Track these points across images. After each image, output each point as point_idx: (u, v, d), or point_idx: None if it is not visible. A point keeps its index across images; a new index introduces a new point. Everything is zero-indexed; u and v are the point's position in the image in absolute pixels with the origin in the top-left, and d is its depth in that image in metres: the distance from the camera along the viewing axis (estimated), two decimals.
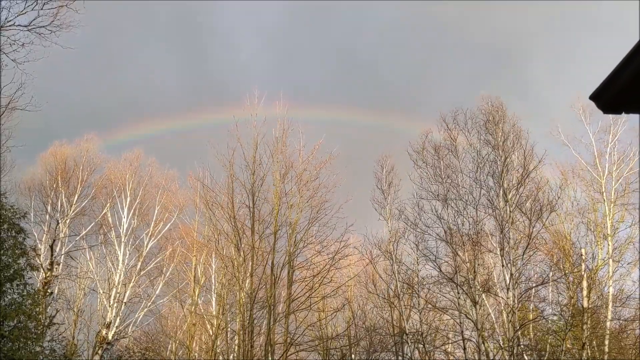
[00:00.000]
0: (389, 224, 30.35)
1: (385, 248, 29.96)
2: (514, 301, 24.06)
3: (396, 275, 29.41)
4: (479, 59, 68.02)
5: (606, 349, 26.88)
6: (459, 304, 26.12)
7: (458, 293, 25.98)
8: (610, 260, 28.48)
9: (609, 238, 28.93)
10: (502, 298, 24.57)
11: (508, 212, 24.96)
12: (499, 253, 24.99)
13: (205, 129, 40.58)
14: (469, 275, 25.40)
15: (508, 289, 24.24)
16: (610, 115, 29.32)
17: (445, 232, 26.42)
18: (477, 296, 25.06)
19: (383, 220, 30.67)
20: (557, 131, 30.89)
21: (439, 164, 27.57)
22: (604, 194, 29.50)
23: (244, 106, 27.25)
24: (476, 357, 25.22)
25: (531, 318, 27.42)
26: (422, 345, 28.53)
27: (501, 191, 25.34)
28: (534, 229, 25.54)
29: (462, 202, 26.27)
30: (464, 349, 26.82)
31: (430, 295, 29.21)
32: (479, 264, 25.73)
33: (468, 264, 25.64)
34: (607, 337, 27.20)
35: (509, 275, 24.28)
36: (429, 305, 29.18)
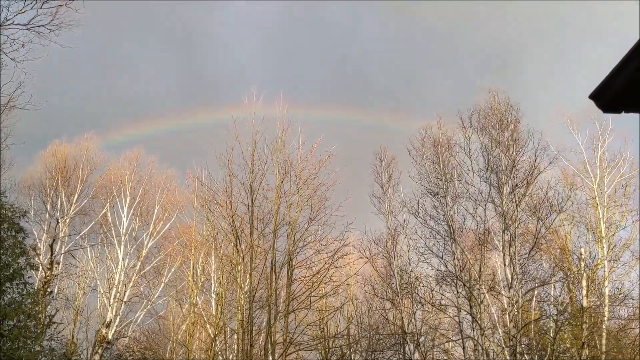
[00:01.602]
0: (388, 220, 29.95)
1: (385, 245, 29.68)
2: (517, 300, 24.05)
3: (395, 273, 29.17)
4: (477, 59, 68.04)
5: (603, 348, 26.92)
6: (458, 302, 26.09)
7: (458, 292, 25.95)
8: (606, 261, 28.73)
9: (604, 240, 29.23)
10: (506, 297, 24.56)
11: (515, 210, 24.96)
12: (502, 251, 24.97)
13: (204, 128, 40.60)
14: (472, 274, 25.39)
15: (510, 288, 24.24)
16: (598, 125, 30.05)
17: (452, 229, 26.35)
18: (482, 295, 25.05)
19: (381, 217, 30.32)
20: (547, 143, 31.15)
21: (439, 159, 27.48)
22: (597, 198, 29.90)
23: (243, 105, 27.29)
24: (476, 357, 25.23)
25: (533, 317, 27.43)
26: (421, 345, 28.50)
27: (506, 189, 25.33)
28: (541, 229, 25.58)
29: (469, 200, 26.25)
30: (463, 348, 26.81)
31: (430, 294, 29.08)
32: (484, 263, 25.71)
33: (474, 262, 25.63)
34: (604, 336, 27.26)
35: (514, 274, 24.27)
36: (429, 304, 29.05)
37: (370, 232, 30.23)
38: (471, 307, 25.31)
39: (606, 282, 28.25)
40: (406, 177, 29.44)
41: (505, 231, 24.95)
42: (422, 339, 28.64)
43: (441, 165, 27.43)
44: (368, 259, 30.15)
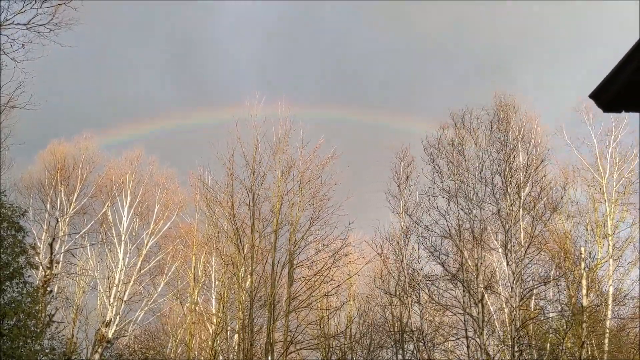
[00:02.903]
0: (402, 219, 29.84)
1: (397, 243, 29.60)
2: (516, 299, 24.03)
3: (405, 271, 29.09)
4: (477, 58, 68.01)
5: (606, 348, 26.86)
6: (463, 302, 26.06)
7: (464, 291, 25.92)
8: (611, 259, 28.51)
9: (609, 238, 28.96)
10: (504, 296, 24.54)
11: (513, 210, 24.93)
12: (501, 252, 24.94)
13: (204, 128, 40.59)
14: (473, 274, 25.38)
15: (511, 287, 24.22)
16: (612, 117, 29.75)
17: (451, 229, 26.33)
18: (480, 294, 25.02)
19: (395, 215, 30.11)
20: (561, 132, 30.96)
21: (452, 159, 27.45)
22: (605, 194, 29.60)
23: (244, 106, 27.30)
24: (478, 356, 25.21)
25: (532, 317, 27.39)
26: (422, 344, 28.46)
27: (507, 189, 25.32)
28: (536, 228, 25.52)
29: (469, 200, 26.22)
30: (467, 347, 26.78)
31: (433, 293, 29.03)
32: (481, 262, 25.68)
33: (472, 262, 25.60)
34: (607, 335, 27.18)
35: (512, 273, 24.26)
36: (433, 303, 28.98)
37: (384, 229, 30.24)
38: (480, 307, 25.27)
39: (610, 281, 28.12)
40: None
41: (505, 231, 24.92)
42: (423, 338, 28.58)
43: (455, 165, 27.40)
44: (379, 254, 30.07)
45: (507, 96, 27.34)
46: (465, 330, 26.43)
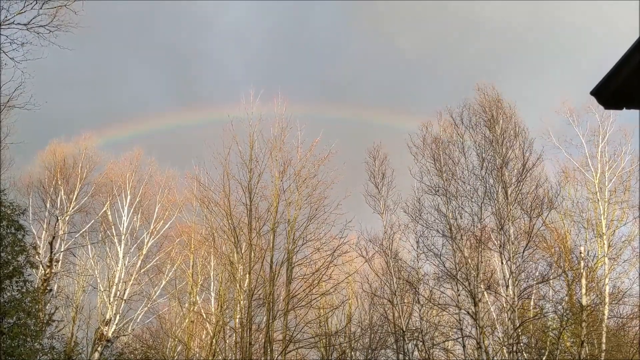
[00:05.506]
0: (384, 219, 29.71)
1: (381, 244, 29.51)
2: (513, 298, 24.02)
3: (392, 271, 29.04)
4: (474, 57, 68.00)
5: (603, 347, 26.88)
6: (458, 300, 26.06)
7: (458, 290, 25.90)
8: (606, 258, 28.48)
9: (604, 237, 28.97)
10: (503, 295, 24.53)
11: (508, 208, 24.87)
12: (498, 250, 24.90)
13: (203, 128, 40.60)
14: (471, 273, 25.35)
15: (507, 286, 24.21)
16: (598, 116, 29.66)
17: (450, 228, 26.28)
18: (479, 293, 25.00)
19: (377, 215, 30.05)
20: (548, 134, 30.92)
21: (440, 157, 27.38)
22: (598, 193, 29.56)
23: (240, 105, 27.21)
24: (476, 355, 25.23)
25: (531, 316, 27.41)
26: (421, 343, 28.47)
27: (499, 187, 25.26)
28: (534, 227, 25.46)
29: (467, 198, 26.17)
30: (464, 346, 26.77)
31: (430, 293, 29.00)
32: (481, 262, 25.64)
33: (470, 261, 25.57)
34: (604, 335, 27.20)
35: (509, 272, 24.24)
36: (429, 303, 28.96)
37: (367, 232, 30.14)
38: (475, 304, 25.26)
39: (606, 280, 28.03)
40: (399, 175, 29.40)
41: (501, 229, 24.86)
42: (422, 337, 28.59)
43: (441, 163, 27.34)
44: (365, 258, 30.01)
45: (489, 87, 27.24)
46: (461, 329, 26.43)
